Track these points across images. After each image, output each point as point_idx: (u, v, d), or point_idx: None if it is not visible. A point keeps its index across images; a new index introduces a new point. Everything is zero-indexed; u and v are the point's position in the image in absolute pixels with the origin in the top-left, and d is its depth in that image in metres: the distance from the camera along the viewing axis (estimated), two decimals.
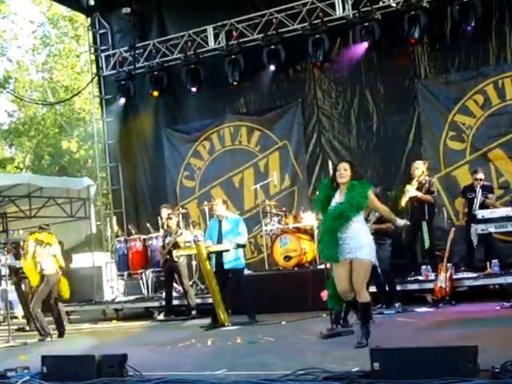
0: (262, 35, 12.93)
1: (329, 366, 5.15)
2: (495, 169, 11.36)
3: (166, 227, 11.67)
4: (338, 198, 6.46)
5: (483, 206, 10.15)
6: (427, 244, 10.28)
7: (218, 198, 10.44)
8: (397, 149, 12.30)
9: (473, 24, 11.37)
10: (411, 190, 10.23)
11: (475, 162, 11.37)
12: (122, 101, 14.48)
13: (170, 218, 11.47)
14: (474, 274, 10.11)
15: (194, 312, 11.09)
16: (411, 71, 12.29)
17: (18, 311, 12.37)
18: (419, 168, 10.41)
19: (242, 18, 13.19)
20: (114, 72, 14.68)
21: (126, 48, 14.45)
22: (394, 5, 11.98)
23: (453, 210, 11.49)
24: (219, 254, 9.55)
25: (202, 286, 11.84)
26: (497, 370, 4.32)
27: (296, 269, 11.19)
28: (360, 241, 6.36)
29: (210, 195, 13.47)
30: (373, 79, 12.59)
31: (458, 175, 11.67)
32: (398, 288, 9.82)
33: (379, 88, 12.54)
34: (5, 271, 10.45)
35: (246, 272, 10.68)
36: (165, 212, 12.11)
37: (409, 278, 10.36)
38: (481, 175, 10.44)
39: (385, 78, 12.48)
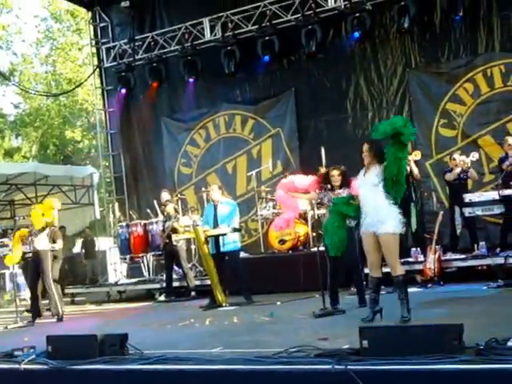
0: (256, 27, 13.10)
1: (320, 343, 5.30)
2: (485, 155, 11.54)
3: (165, 213, 11.95)
4: (363, 174, 6.67)
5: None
6: (414, 227, 10.54)
7: (214, 184, 10.64)
8: None
9: (461, 14, 11.56)
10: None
11: (466, 149, 11.52)
12: (123, 91, 14.75)
13: (166, 205, 11.77)
14: (462, 256, 10.23)
15: (193, 293, 11.40)
16: (403, 60, 12.47)
17: (26, 293, 12.72)
18: None
19: (237, 10, 13.38)
20: (114, 64, 14.91)
21: (125, 40, 14.67)
22: None
23: (444, 195, 11.65)
24: (216, 238, 9.77)
25: (201, 269, 12.06)
26: (481, 347, 4.38)
27: (290, 252, 11.39)
28: (383, 214, 6.44)
29: (206, 181, 13.68)
30: (366, 68, 12.79)
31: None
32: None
33: (373, 77, 12.75)
34: None
35: (243, 255, 10.93)
36: (164, 196, 12.38)
37: (401, 260, 10.58)
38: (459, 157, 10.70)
39: (378, 67, 12.70)
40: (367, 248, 6.67)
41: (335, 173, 7.84)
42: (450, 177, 10.68)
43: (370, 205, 6.54)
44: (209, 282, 9.99)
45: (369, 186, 6.54)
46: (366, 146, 6.67)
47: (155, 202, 12.89)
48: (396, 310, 6.49)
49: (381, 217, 6.43)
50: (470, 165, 10.56)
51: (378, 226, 6.43)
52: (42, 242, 9.85)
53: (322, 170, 10.40)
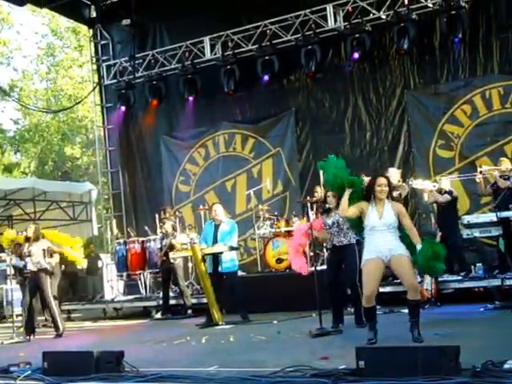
0: (256, 46, 13.21)
1: (317, 363, 5.31)
2: (483, 176, 11.53)
3: (163, 230, 11.98)
4: (377, 213, 6.53)
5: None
6: None
7: (217, 203, 10.59)
8: (389, 156, 12.65)
9: (460, 36, 11.69)
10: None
11: (464, 170, 11.65)
12: (123, 109, 14.82)
13: (164, 223, 11.82)
14: (459, 277, 10.24)
15: (189, 311, 11.38)
16: (401, 81, 12.60)
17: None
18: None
19: (238, 29, 13.48)
20: (114, 81, 15.00)
21: (126, 58, 14.77)
22: (383, 17, 12.27)
23: None
24: (214, 257, 9.77)
25: (198, 287, 12.08)
26: (478, 369, 4.41)
27: (287, 271, 11.28)
28: (396, 243, 6.48)
29: (204, 200, 13.78)
30: (365, 89, 12.91)
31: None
32: (387, 290, 10.10)
33: (371, 97, 12.87)
34: (9, 271, 10.77)
35: (240, 273, 10.91)
36: (162, 214, 12.44)
37: (396, 281, 10.62)
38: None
39: (376, 87, 12.83)
40: (374, 273, 6.47)
41: (330, 194, 8.04)
42: (427, 202, 10.77)
43: (382, 237, 6.48)
44: (205, 300, 9.98)
45: (385, 224, 6.49)
46: (384, 180, 6.57)
47: (157, 216, 12.85)
48: (393, 330, 6.53)
49: (394, 246, 6.45)
50: (429, 191, 10.52)
51: (393, 250, 6.42)
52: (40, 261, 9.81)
53: (319, 190, 10.44)
